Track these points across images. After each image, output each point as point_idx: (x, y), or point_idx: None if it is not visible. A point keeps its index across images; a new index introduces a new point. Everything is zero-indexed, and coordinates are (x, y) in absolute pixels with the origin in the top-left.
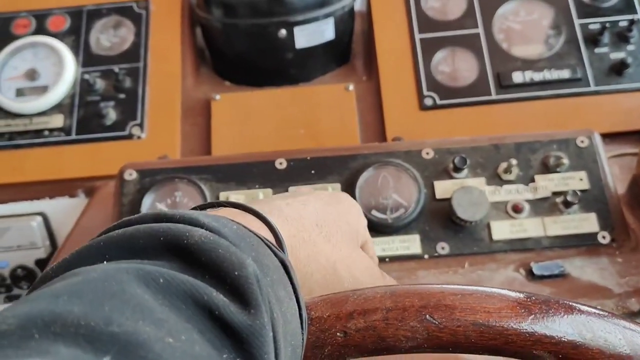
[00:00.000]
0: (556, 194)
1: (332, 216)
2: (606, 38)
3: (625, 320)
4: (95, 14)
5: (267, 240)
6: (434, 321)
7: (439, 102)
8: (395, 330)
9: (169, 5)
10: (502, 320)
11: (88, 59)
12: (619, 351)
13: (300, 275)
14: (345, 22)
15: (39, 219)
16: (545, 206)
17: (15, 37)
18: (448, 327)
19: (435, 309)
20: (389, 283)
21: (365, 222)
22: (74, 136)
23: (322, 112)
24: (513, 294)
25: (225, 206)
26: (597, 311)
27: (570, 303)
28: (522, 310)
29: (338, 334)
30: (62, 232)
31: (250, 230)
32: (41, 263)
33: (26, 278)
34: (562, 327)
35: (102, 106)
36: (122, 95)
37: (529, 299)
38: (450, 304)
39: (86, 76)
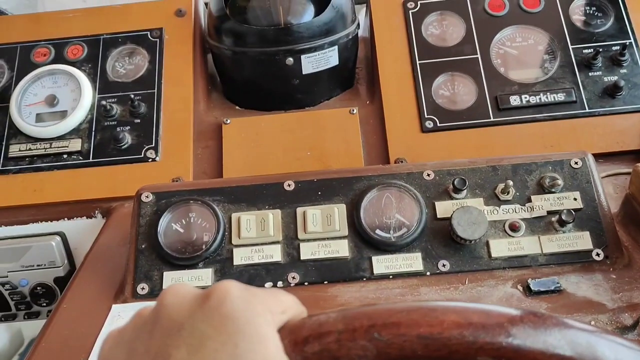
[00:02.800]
0: (551, 213)
1: None
2: (600, 62)
3: (568, 320)
4: (111, 42)
5: None
6: (382, 338)
7: (439, 124)
8: (347, 351)
9: (181, 33)
10: (444, 332)
11: (104, 85)
12: (558, 352)
13: None
14: (349, 49)
15: (58, 238)
16: (541, 225)
17: (35, 66)
18: (395, 342)
19: (382, 327)
20: None
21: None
22: (91, 159)
23: (327, 135)
24: (453, 305)
25: None
26: (538, 317)
27: (509, 311)
28: (462, 321)
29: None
30: (80, 252)
31: None
32: (60, 281)
33: (45, 296)
34: (502, 334)
35: (118, 130)
36: (137, 120)
37: (467, 309)
38: (396, 321)
39: (103, 102)
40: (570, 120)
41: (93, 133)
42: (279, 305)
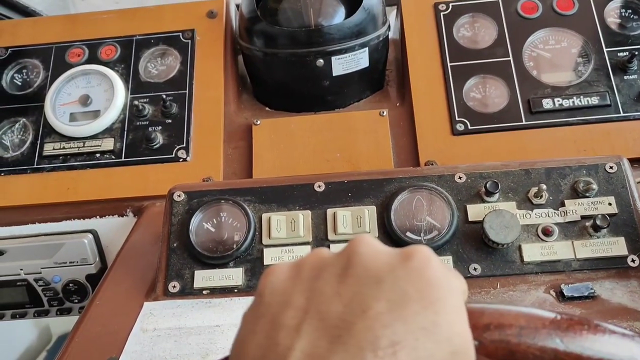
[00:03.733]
0: (585, 217)
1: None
2: (635, 65)
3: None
4: (144, 43)
5: None
6: (562, 346)
7: (470, 127)
8: (526, 348)
9: (212, 35)
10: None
11: (137, 85)
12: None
13: None
14: (380, 51)
15: (90, 236)
16: (575, 230)
17: (69, 66)
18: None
19: (564, 336)
20: None
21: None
22: (123, 158)
23: (357, 137)
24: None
25: None
26: (587, 323)
27: (552, 315)
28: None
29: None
30: (112, 249)
31: None
32: (91, 278)
33: (77, 292)
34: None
35: (150, 130)
36: (168, 120)
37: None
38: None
39: (135, 102)
40: (604, 124)
41: (125, 133)
42: (464, 285)
